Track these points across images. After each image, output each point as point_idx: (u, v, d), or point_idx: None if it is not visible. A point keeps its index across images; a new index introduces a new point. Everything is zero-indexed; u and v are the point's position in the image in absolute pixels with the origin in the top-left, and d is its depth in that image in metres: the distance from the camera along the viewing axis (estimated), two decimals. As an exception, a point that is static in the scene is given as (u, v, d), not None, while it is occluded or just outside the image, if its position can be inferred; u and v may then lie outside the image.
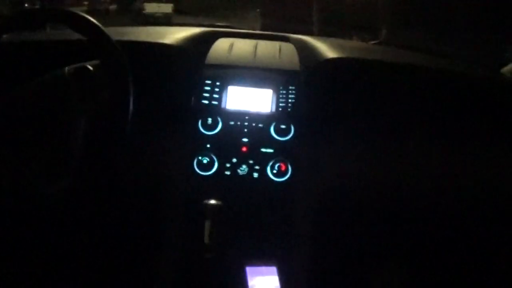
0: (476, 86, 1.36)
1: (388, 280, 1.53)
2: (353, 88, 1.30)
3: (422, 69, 1.38)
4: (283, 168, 1.23)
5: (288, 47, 1.48)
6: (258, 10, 8.09)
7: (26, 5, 5.82)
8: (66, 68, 1.05)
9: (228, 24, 1.77)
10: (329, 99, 1.30)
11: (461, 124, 1.30)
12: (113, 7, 11.88)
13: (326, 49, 1.38)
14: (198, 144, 1.25)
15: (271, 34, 1.59)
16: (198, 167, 1.23)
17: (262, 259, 1.23)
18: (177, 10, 10.44)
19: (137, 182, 1.38)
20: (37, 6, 4.17)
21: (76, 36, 1.07)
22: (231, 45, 1.44)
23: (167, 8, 10.65)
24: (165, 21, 8.71)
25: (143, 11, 10.68)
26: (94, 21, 1.06)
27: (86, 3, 11.24)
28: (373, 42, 1.95)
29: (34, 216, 1.43)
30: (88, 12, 1.15)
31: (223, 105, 1.27)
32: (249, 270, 1.20)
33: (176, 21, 7.45)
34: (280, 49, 1.44)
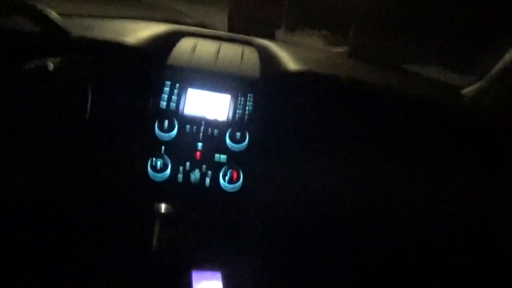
0: (434, 110, 1.39)
1: None
2: (312, 102, 1.32)
3: (381, 90, 1.41)
4: (234, 176, 1.24)
5: (251, 53, 1.48)
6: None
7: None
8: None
9: (195, 21, 1.75)
10: (286, 111, 1.31)
11: (416, 145, 1.34)
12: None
13: (288, 60, 1.40)
14: (153, 147, 1.25)
15: (236, 37, 1.59)
16: (151, 169, 1.24)
17: (207, 264, 1.25)
18: None
19: (90, 181, 1.36)
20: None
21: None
22: (194, 47, 1.43)
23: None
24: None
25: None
26: (52, 14, 1.03)
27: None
28: (337, 49, 1.97)
29: None
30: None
31: (181, 109, 1.27)
32: (194, 274, 1.22)
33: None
34: (242, 54, 1.45)
